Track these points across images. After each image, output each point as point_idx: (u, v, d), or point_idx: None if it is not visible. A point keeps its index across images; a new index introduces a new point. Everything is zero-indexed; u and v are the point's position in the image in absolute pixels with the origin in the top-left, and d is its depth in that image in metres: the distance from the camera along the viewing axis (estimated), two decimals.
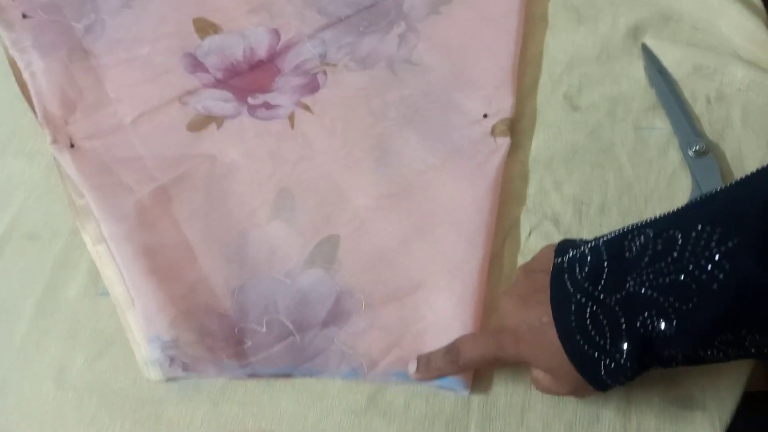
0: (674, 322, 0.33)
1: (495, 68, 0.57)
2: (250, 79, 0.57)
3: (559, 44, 0.59)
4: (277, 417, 0.43)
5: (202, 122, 0.55)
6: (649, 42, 0.57)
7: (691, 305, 0.33)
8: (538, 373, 0.40)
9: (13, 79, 0.57)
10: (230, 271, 0.48)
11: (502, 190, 0.51)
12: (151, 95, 0.56)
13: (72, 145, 0.52)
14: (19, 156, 0.55)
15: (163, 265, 0.47)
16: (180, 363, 0.44)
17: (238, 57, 0.58)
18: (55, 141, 0.52)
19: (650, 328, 0.34)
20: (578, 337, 0.36)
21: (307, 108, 0.55)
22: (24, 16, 0.59)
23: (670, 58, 0.56)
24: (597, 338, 0.36)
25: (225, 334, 0.45)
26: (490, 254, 0.48)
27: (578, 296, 0.36)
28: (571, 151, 0.53)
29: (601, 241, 0.38)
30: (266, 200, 0.51)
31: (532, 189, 0.52)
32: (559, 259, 0.39)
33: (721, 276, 0.32)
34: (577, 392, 0.39)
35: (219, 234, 0.49)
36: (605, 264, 0.36)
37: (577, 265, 0.38)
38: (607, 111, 0.55)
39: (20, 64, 0.57)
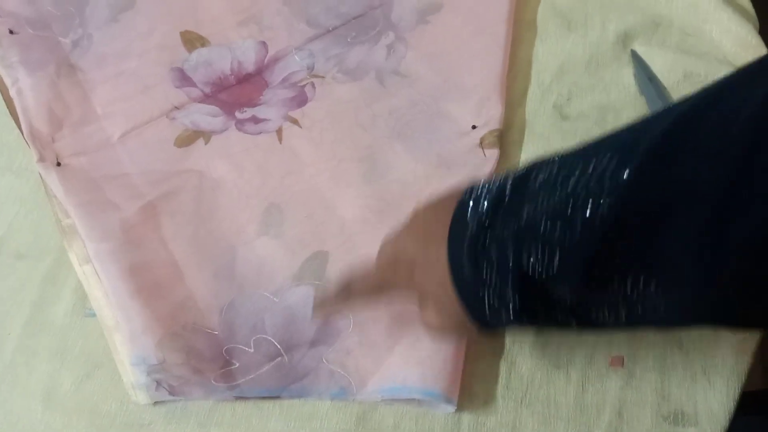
0: (556, 257, 0.31)
1: (484, 77, 0.56)
2: (237, 93, 0.57)
3: (549, 52, 0.58)
4: None
5: (189, 137, 0.54)
6: (639, 48, 0.57)
7: (575, 239, 0.31)
8: (427, 310, 0.39)
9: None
10: (218, 288, 0.48)
11: None
12: (139, 111, 0.55)
13: (59, 164, 0.52)
14: (7, 172, 0.54)
15: (150, 283, 0.47)
16: (166, 386, 0.43)
17: (225, 70, 0.58)
18: (41, 159, 0.52)
19: (534, 262, 0.32)
20: (466, 268, 0.34)
21: (295, 121, 0.55)
22: (11, 32, 0.59)
23: (660, 64, 0.55)
24: (486, 269, 0.34)
25: (213, 355, 0.45)
26: None
27: (475, 226, 0.35)
28: None
29: (512, 172, 0.36)
30: (254, 215, 0.51)
31: None
32: (467, 193, 0.37)
33: (604, 209, 0.30)
34: (460, 329, 0.38)
35: (207, 251, 0.49)
36: (507, 193, 0.34)
37: (483, 195, 0.36)
38: (596, 120, 0.54)
39: (6, 81, 0.57)
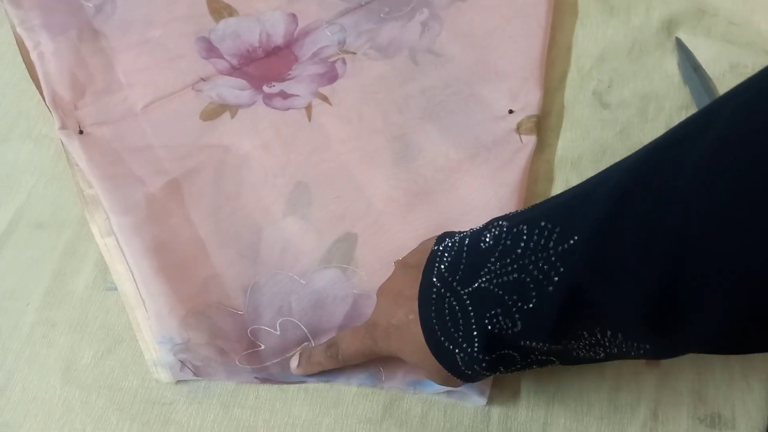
0: (518, 321, 0.32)
1: (522, 60, 0.54)
2: (266, 66, 0.55)
3: (590, 37, 0.56)
4: (289, 424, 0.42)
5: (215, 111, 0.53)
6: (683, 37, 0.55)
7: (531, 305, 0.32)
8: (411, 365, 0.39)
9: (20, 58, 0.55)
10: (243, 268, 0.46)
11: (526, 191, 0.49)
12: (164, 81, 0.54)
13: (81, 131, 0.51)
14: (27, 140, 0.53)
15: (174, 261, 0.46)
16: (191, 366, 0.42)
17: (254, 42, 0.56)
18: (63, 126, 0.50)
19: (497, 324, 0.33)
20: (437, 328, 0.35)
21: (325, 98, 0.53)
22: None
23: (705, 54, 0.54)
24: (452, 330, 0.35)
25: (237, 335, 0.44)
26: None
27: (439, 287, 0.36)
28: (599, 151, 0.51)
29: (470, 231, 0.37)
30: (281, 194, 0.49)
31: (557, 190, 0.50)
32: (436, 247, 0.38)
33: (556, 279, 0.30)
34: (448, 383, 0.38)
35: (232, 230, 0.48)
36: (464, 255, 0.35)
37: (446, 255, 0.37)
38: (638, 109, 0.52)
39: (28, 44, 0.55)
